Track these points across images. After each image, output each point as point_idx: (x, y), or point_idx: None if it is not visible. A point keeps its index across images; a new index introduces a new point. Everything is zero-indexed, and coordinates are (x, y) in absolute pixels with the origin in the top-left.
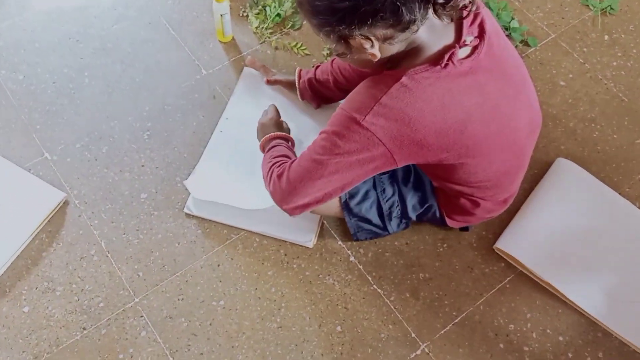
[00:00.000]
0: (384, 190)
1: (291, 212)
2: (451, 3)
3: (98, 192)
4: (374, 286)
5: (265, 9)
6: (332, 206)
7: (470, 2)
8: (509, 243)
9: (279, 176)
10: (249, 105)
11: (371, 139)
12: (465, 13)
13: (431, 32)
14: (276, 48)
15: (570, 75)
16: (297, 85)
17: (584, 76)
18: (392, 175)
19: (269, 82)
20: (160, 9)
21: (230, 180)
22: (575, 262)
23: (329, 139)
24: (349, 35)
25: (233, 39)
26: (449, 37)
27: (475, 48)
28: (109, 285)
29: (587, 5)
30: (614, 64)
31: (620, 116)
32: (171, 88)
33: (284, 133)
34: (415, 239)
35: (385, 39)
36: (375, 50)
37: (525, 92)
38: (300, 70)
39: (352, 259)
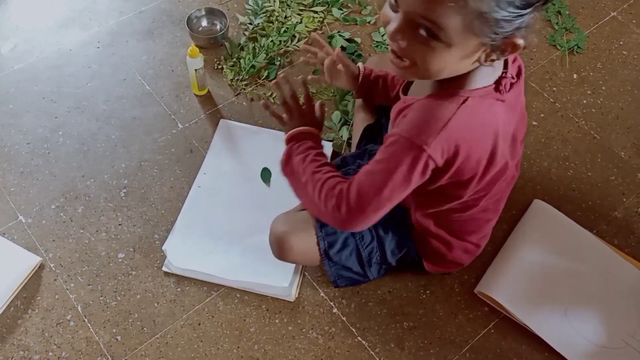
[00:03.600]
0: (362, 237)
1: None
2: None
3: (74, 254)
4: (359, 338)
5: (239, 61)
6: (313, 256)
7: None
8: (489, 286)
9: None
10: (226, 158)
11: (428, 163)
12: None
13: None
14: (252, 99)
15: (542, 115)
16: (360, 72)
17: (555, 115)
18: None
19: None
20: (134, 64)
21: (209, 242)
22: (554, 306)
23: (384, 161)
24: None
25: (208, 91)
26: (499, 70)
27: (512, 85)
28: (86, 352)
29: (555, 45)
30: (584, 101)
31: (594, 154)
32: (147, 144)
33: (316, 129)
34: (397, 287)
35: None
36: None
37: (521, 140)
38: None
39: (335, 310)
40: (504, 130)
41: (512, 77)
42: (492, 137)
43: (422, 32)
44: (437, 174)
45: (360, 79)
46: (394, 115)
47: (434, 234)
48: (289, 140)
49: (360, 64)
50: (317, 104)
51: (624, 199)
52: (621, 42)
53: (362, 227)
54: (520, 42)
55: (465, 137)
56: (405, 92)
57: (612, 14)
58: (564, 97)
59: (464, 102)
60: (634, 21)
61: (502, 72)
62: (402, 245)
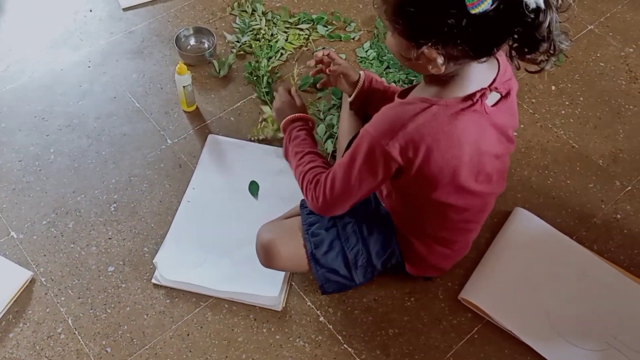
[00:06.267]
0: (347, 239)
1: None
2: (531, 55)
3: (65, 268)
4: (345, 345)
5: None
6: (300, 262)
7: (544, 60)
8: (472, 292)
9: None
10: (215, 173)
11: (389, 159)
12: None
13: (478, 70)
14: (239, 114)
15: (522, 126)
16: (360, 80)
17: (534, 125)
18: (355, 224)
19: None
20: (124, 83)
21: (200, 255)
22: (536, 310)
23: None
24: (427, 46)
25: (197, 107)
26: (485, 82)
27: (496, 102)
28: None
29: None
30: (563, 112)
31: (572, 162)
32: (137, 159)
33: (300, 114)
34: (383, 295)
35: (450, 59)
36: (443, 66)
37: (506, 157)
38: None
39: (321, 319)
40: (474, 140)
41: (497, 90)
42: (457, 146)
43: None
44: (402, 171)
45: (358, 89)
46: None
47: (418, 235)
48: (283, 131)
49: (362, 73)
50: (293, 93)
51: (603, 206)
52: (598, 54)
53: (339, 212)
54: (433, 55)
55: (424, 140)
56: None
57: (589, 27)
58: (542, 108)
59: (427, 107)
60: (610, 34)
61: (482, 87)
62: (387, 247)
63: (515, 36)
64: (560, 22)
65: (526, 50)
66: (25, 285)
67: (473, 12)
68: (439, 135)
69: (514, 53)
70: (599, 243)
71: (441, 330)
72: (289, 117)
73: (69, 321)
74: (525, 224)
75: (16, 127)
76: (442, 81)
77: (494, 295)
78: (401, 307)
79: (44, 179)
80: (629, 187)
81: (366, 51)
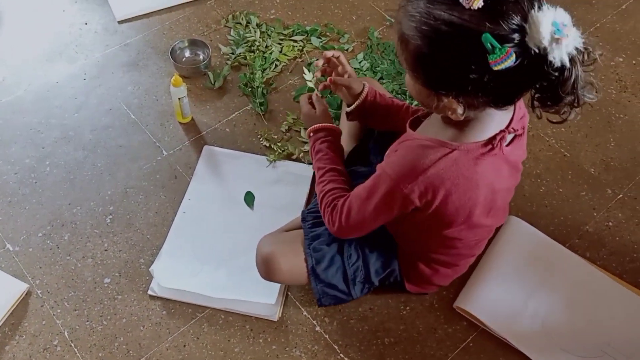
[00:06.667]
0: (349, 256)
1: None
2: (555, 108)
3: (60, 280)
4: (341, 355)
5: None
6: (299, 276)
7: (567, 111)
8: (467, 301)
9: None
10: (210, 184)
11: (407, 202)
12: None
13: (497, 114)
14: (234, 125)
15: None
16: (363, 93)
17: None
18: (357, 241)
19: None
20: (120, 95)
21: (196, 265)
22: (531, 318)
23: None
24: (448, 96)
25: (192, 119)
26: (502, 124)
27: (511, 141)
28: None
29: None
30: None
31: (564, 171)
32: (133, 171)
33: (321, 124)
34: (378, 304)
35: (470, 107)
36: (462, 116)
37: (513, 190)
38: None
39: (317, 328)
40: (491, 182)
41: (515, 131)
42: (474, 189)
43: None
44: (418, 210)
45: (359, 103)
46: (396, 145)
47: (422, 259)
48: (308, 139)
49: (365, 85)
50: (314, 100)
51: (595, 214)
52: None
53: (355, 236)
54: (454, 105)
55: (444, 185)
56: (414, 127)
57: None
58: (534, 117)
59: (449, 153)
60: (600, 44)
61: (500, 130)
62: (387, 266)
63: (538, 86)
64: (585, 72)
65: (549, 103)
66: (21, 298)
67: (496, 69)
68: (458, 179)
69: (536, 104)
70: (592, 251)
71: (437, 338)
72: (310, 128)
73: (65, 333)
74: (519, 232)
75: (12, 139)
76: (461, 125)
77: (489, 304)
78: (397, 316)
79: (39, 191)
80: (620, 195)
81: (360, 62)
